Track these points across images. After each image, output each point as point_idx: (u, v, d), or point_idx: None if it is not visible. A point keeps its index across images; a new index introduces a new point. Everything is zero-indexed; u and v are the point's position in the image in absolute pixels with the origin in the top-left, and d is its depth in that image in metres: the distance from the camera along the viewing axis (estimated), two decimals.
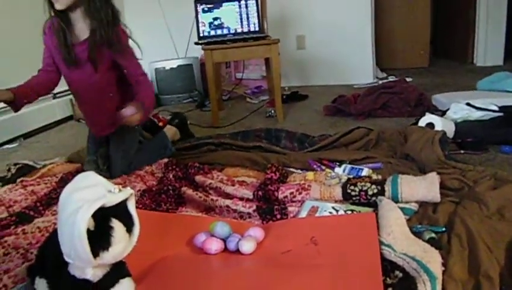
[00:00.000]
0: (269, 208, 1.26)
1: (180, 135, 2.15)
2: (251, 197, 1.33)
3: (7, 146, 2.44)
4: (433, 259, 0.89)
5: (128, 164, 1.70)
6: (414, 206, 1.20)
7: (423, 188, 1.20)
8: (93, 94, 1.67)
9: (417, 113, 2.19)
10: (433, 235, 1.02)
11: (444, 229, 1.05)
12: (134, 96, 1.63)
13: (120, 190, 0.83)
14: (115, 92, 1.69)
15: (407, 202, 1.22)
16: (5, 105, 2.48)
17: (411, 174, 1.34)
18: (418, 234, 1.03)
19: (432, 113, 1.91)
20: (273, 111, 2.59)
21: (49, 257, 0.86)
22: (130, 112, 1.54)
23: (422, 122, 1.80)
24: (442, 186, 1.24)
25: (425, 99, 2.39)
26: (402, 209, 1.15)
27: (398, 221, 1.07)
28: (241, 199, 1.33)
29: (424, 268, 0.86)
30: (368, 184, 1.27)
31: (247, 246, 1.03)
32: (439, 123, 1.75)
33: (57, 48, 1.58)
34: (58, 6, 1.51)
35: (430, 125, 1.75)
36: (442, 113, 2.00)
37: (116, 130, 1.71)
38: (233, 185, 1.41)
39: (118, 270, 0.86)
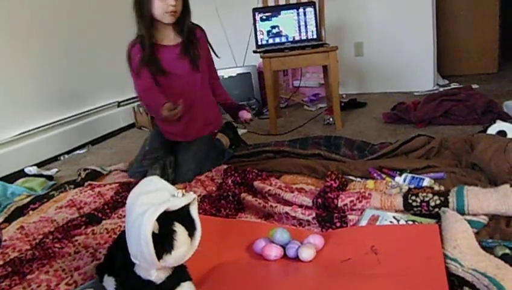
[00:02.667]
0: (329, 215, 1.24)
1: (230, 142, 2.16)
2: (310, 204, 1.32)
3: (77, 152, 2.59)
4: (508, 277, 0.83)
5: (199, 171, 1.76)
6: (483, 219, 1.13)
7: (495, 200, 1.12)
8: (197, 93, 1.80)
9: (485, 121, 2.07)
10: (507, 251, 0.95)
11: None
12: (219, 97, 1.97)
13: (183, 195, 0.85)
14: (210, 93, 1.89)
15: (474, 215, 1.15)
16: (76, 113, 2.68)
17: (479, 186, 1.26)
18: (488, 249, 0.97)
19: (504, 120, 1.78)
20: (331, 119, 2.56)
21: (118, 257, 0.89)
22: (249, 115, 1.90)
23: (492, 130, 1.68)
24: None
25: (495, 106, 2.25)
26: (469, 221, 1.08)
27: (465, 234, 1.01)
28: (300, 206, 1.32)
29: (497, 286, 0.81)
30: (430, 195, 1.21)
31: (306, 253, 1.02)
32: None
33: (150, 59, 1.70)
34: (172, 20, 1.69)
35: (502, 133, 1.64)
36: None
37: (199, 138, 1.84)
38: (292, 192, 1.41)
39: (180, 274, 0.88)
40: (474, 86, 3.00)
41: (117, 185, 1.67)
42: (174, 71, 1.75)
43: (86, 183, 1.75)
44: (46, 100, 2.53)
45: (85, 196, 1.61)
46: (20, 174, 2.13)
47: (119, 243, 0.91)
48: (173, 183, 1.68)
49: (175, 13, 1.66)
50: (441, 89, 3.09)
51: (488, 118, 2.12)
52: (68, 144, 2.59)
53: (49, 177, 2.06)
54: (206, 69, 1.86)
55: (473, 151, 1.57)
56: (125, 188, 1.63)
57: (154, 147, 1.88)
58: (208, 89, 1.91)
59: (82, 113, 2.74)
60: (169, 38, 1.76)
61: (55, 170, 2.23)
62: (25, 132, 2.35)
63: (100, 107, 2.90)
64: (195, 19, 1.83)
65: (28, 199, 1.70)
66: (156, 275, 0.84)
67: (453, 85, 3.29)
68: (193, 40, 1.76)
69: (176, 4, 1.64)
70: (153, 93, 1.72)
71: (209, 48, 1.88)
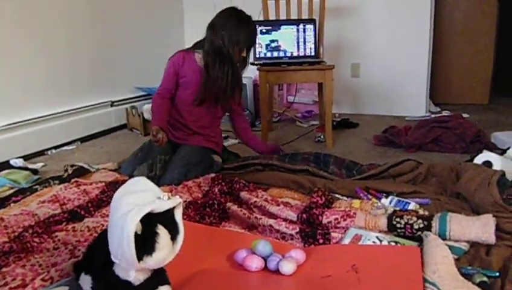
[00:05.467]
0: (312, 231, 1.24)
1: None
2: (295, 219, 1.32)
3: (65, 148, 2.57)
4: None
5: (185, 172, 1.77)
6: (464, 246, 1.14)
7: (476, 228, 1.14)
8: (210, 111, 1.96)
9: (473, 150, 2.10)
10: (485, 279, 0.96)
11: (497, 274, 0.99)
12: (235, 125, 2.13)
13: (169, 198, 0.85)
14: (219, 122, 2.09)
15: (456, 241, 1.16)
16: (66, 109, 2.67)
17: (462, 214, 1.27)
18: (467, 276, 0.98)
19: (490, 151, 1.80)
20: (322, 136, 2.57)
21: (97, 255, 0.89)
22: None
23: (479, 159, 1.69)
24: (498, 228, 1.16)
25: (483, 136, 2.29)
26: (450, 247, 1.10)
27: (445, 259, 1.02)
28: (285, 220, 1.33)
29: None
30: (414, 218, 1.23)
31: (287, 267, 1.03)
32: (498, 162, 1.63)
33: (201, 81, 1.88)
34: None
35: (488, 163, 1.65)
36: (502, 152, 1.86)
37: (195, 145, 1.94)
38: (278, 205, 1.41)
39: (159, 277, 0.88)
40: (465, 115, 3.05)
41: (103, 184, 1.66)
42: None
43: (72, 180, 1.74)
44: (37, 93, 2.51)
45: (69, 193, 1.60)
46: (5, 165, 2.10)
47: (100, 241, 0.91)
48: (158, 181, 1.71)
49: None
50: (433, 116, 3.13)
51: (476, 147, 2.15)
52: (57, 139, 2.57)
53: (34, 171, 2.04)
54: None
55: (458, 180, 1.59)
56: (111, 187, 1.62)
57: (152, 146, 1.94)
58: (219, 119, 2.10)
59: (74, 109, 2.73)
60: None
61: (41, 164, 2.21)
62: (13, 124, 2.33)
63: (93, 105, 2.89)
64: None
65: (11, 191, 1.68)
66: (135, 276, 0.83)
67: (444, 113, 3.34)
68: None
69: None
70: (162, 105, 1.91)
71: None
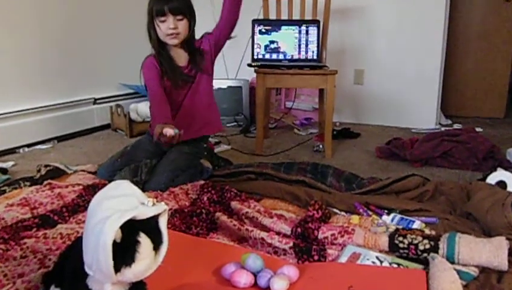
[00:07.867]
0: (307, 247, 1.23)
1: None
2: (289, 233, 1.32)
3: (40, 146, 2.55)
4: None
5: (173, 177, 1.77)
6: (473, 271, 1.13)
7: (488, 251, 1.13)
8: (198, 104, 1.98)
9: (485, 168, 2.10)
10: None
11: None
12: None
13: (154, 204, 0.83)
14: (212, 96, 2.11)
15: (464, 265, 1.15)
16: (41, 105, 2.64)
17: (472, 235, 1.27)
18: None
19: (505, 169, 1.80)
20: (321, 146, 2.58)
21: (69, 266, 0.87)
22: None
23: (492, 179, 1.70)
24: (511, 253, 1.16)
25: (498, 152, 2.28)
26: (458, 272, 1.08)
27: (453, 285, 1.01)
28: (278, 233, 1.32)
29: None
30: (420, 238, 1.22)
31: (279, 285, 1.01)
32: None
33: (167, 75, 1.90)
34: (175, 42, 1.88)
35: (502, 183, 1.65)
36: None
37: (183, 149, 1.91)
38: (271, 218, 1.41)
39: None
40: (478, 129, 3.06)
41: (80, 187, 1.65)
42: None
43: (45, 182, 1.71)
44: (11, 85, 2.49)
45: (42, 196, 1.58)
46: None
47: (74, 249, 0.89)
48: (144, 186, 1.71)
49: (177, 35, 1.86)
50: (443, 129, 3.13)
51: (489, 165, 2.15)
52: (30, 136, 2.54)
53: (3, 171, 2.01)
54: (211, 72, 2.07)
55: (469, 200, 1.59)
56: (90, 191, 1.61)
57: (135, 150, 1.95)
58: (211, 92, 2.11)
59: (50, 105, 2.70)
60: (181, 59, 1.95)
61: (12, 163, 2.18)
62: None
63: (73, 101, 2.87)
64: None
65: None
66: (111, 289, 0.82)
67: (456, 126, 3.35)
68: (200, 55, 1.97)
69: (177, 27, 1.84)
70: (160, 104, 1.88)
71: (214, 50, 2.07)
